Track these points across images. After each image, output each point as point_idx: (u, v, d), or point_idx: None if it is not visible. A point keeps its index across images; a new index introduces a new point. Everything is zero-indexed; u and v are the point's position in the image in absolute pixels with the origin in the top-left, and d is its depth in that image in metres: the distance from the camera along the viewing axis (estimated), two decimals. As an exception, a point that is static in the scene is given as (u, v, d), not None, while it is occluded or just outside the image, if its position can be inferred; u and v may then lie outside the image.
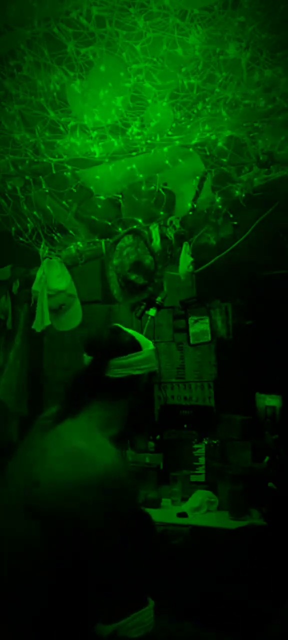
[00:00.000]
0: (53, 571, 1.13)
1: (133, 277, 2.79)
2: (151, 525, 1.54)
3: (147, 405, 1.46)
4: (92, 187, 2.72)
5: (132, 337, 1.44)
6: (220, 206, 2.67)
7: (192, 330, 3.44)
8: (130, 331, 1.46)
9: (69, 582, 1.14)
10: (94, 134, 2.17)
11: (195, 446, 3.12)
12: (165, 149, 2.36)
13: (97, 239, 2.97)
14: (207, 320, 3.38)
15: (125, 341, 1.41)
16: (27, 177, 2.53)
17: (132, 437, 1.53)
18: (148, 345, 1.46)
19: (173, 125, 2.18)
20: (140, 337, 1.46)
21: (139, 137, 2.21)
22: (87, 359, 1.43)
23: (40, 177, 2.50)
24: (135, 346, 1.41)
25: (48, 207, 2.67)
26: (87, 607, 1.15)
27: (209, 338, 3.38)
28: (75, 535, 1.12)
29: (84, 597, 1.14)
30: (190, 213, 2.78)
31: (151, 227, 2.83)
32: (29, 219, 2.73)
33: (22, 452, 1.38)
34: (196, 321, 3.42)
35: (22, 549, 1.16)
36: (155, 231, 2.81)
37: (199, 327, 3.42)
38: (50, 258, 2.95)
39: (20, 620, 1.14)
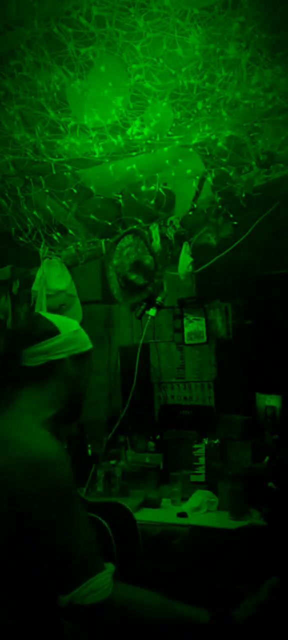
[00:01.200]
0: (9, 550, 1.17)
1: (133, 277, 2.79)
2: (126, 515, 1.54)
3: (80, 388, 1.43)
4: (92, 187, 2.72)
5: (49, 323, 1.38)
6: (220, 206, 2.68)
7: (187, 329, 3.44)
8: (51, 316, 1.42)
9: (25, 561, 1.18)
10: (94, 134, 2.17)
11: (195, 446, 3.12)
12: (165, 149, 2.36)
13: (97, 239, 2.97)
14: (203, 321, 3.38)
15: (39, 328, 1.37)
16: (27, 177, 2.53)
17: (71, 421, 1.51)
18: (69, 327, 1.40)
19: (173, 125, 2.18)
20: (61, 320, 1.42)
21: (139, 137, 2.21)
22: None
23: (40, 177, 2.50)
24: (52, 332, 1.36)
25: (48, 207, 2.68)
26: (44, 581, 1.18)
27: (205, 339, 3.38)
28: (14, 517, 1.16)
29: (39, 572, 1.18)
30: (190, 213, 2.78)
31: (151, 227, 2.83)
32: (29, 219, 2.74)
33: None
34: (192, 321, 3.42)
35: None
36: (155, 231, 2.82)
37: (195, 327, 3.42)
38: (50, 258, 2.95)
39: None
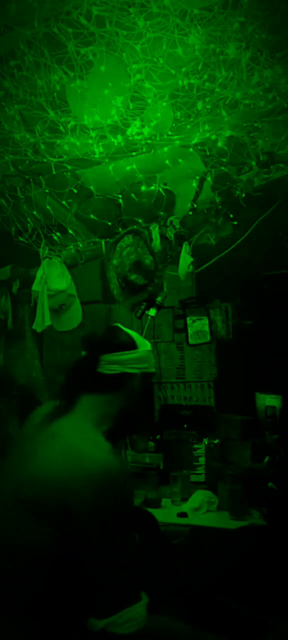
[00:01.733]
0: (47, 565, 1.14)
1: (133, 277, 2.79)
2: (154, 525, 1.54)
3: (142, 406, 1.45)
4: (92, 187, 2.72)
5: (128, 336, 1.44)
6: (220, 206, 2.68)
7: (190, 330, 3.45)
8: (129, 331, 1.46)
9: (63, 577, 1.15)
10: (94, 134, 2.17)
11: (195, 446, 3.12)
12: (165, 149, 2.36)
13: (97, 239, 2.97)
14: (206, 321, 3.39)
15: (119, 338, 1.42)
16: (27, 177, 2.53)
17: (125, 436, 1.54)
18: (145, 346, 1.45)
19: (173, 125, 2.18)
20: (138, 337, 1.46)
21: (139, 137, 2.21)
22: (82, 354, 1.44)
23: (40, 177, 2.50)
24: (130, 344, 1.41)
25: (48, 207, 2.67)
26: (80, 601, 1.15)
27: (208, 338, 3.39)
28: (68, 529, 1.12)
29: (77, 591, 1.15)
30: (190, 213, 2.78)
31: (151, 227, 2.83)
32: (29, 219, 2.73)
33: (17, 449, 1.38)
34: (195, 321, 3.42)
35: (17, 543, 1.17)
36: (155, 231, 2.81)
37: (198, 327, 3.43)
38: (50, 258, 2.95)
39: (16, 613, 1.15)
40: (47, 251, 2.93)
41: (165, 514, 2.75)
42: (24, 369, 3.29)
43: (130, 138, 2.21)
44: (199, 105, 2.03)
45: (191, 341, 3.44)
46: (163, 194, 2.73)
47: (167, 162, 2.50)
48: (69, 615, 1.17)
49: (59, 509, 1.13)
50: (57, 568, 1.14)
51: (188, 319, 3.44)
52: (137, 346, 1.42)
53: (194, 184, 2.71)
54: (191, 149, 2.43)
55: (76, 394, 1.35)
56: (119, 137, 2.19)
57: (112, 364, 1.37)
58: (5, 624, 1.14)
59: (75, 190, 2.62)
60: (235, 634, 1.27)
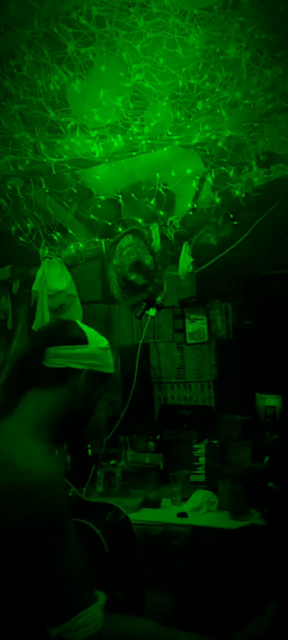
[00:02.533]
0: None
1: (133, 277, 2.79)
2: (129, 532, 1.48)
3: (87, 407, 1.40)
4: (92, 187, 2.72)
5: (79, 331, 1.37)
6: (220, 206, 2.68)
7: (189, 329, 3.45)
8: (84, 327, 1.40)
9: (10, 592, 1.12)
10: (94, 134, 2.17)
11: (195, 446, 3.11)
12: (165, 149, 2.36)
13: (97, 239, 2.97)
14: (205, 320, 3.39)
15: (69, 332, 1.35)
16: (27, 177, 2.53)
17: (69, 437, 1.48)
18: (98, 343, 1.38)
19: (173, 125, 2.18)
20: (92, 334, 1.39)
21: (139, 137, 2.21)
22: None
23: (40, 177, 2.50)
24: (80, 339, 1.34)
25: (48, 207, 2.67)
26: (34, 611, 1.12)
27: (206, 338, 3.39)
28: (7, 544, 1.10)
29: (28, 602, 1.12)
30: (190, 213, 2.78)
31: (151, 227, 2.83)
32: (29, 219, 2.73)
33: None
34: (193, 320, 3.43)
35: None
36: (155, 231, 2.81)
37: (196, 327, 3.43)
38: (50, 258, 2.95)
39: None
40: (47, 251, 2.93)
41: (165, 514, 2.75)
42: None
43: (130, 138, 2.21)
44: (199, 105, 2.03)
45: (189, 340, 3.45)
46: (163, 194, 2.73)
47: (167, 162, 2.50)
48: (27, 626, 1.14)
49: None
50: (3, 587, 1.12)
51: (187, 318, 3.45)
52: (87, 342, 1.35)
53: (194, 184, 2.71)
54: (191, 149, 2.43)
55: (20, 390, 1.30)
56: (119, 137, 2.19)
57: (57, 357, 1.30)
58: None
59: (75, 190, 2.62)
60: (211, 625, 1.25)
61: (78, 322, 1.42)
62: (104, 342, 1.40)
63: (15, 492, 1.09)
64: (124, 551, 1.41)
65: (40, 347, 1.31)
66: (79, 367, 1.32)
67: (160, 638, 1.20)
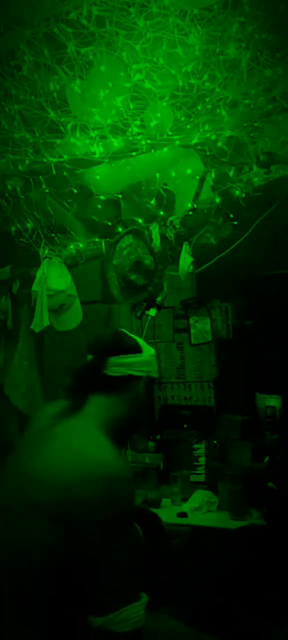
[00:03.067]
0: (50, 565, 1.16)
1: (133, 277, 2.79)
2: (159, 526, 1.55)
3: (144, 409, 1.50)
4: (92, 187, 2.72)
5: (134, 340, 1.49)
6: (220, 206, 2.67)
7: (193, 330, 3.45)
8: (133, 336, 1.51)
9: (65, 576, 1.16)
10: (94, 134, 2.17)
11: (195, 446, 3.12)
12: (165, 149, 2.36)
13: (97, 239, 2.97)
14: (208, 321, 3.40)
15: (126, 342, 1.46)
16: (27, 177, 2.53)
17: (129, 437, 1.57)
18: (149, 350, 1.50)
19: (173, 125, 2.18)
20: (142, 342, 1.51)
21: (139, 137, 2.21)
22: (88, 358, 1.48)
23: (40, 177, 2.50)
24: (136, 348, 1.46)
25: (48, 207, 2.67)
26: (81, 599, 1.16)
27: (210, 338, 3.40)
28: (69, 530, 1.14)
29: (78, 589, 1.16)
30: (190, 213, 2.78)
31: (151, 227, 2.83)
32: (29, 219, 2.73)
33: (22, 450, 1.39)
34: (197, 321, 3.43)
35: (23, 544, 1.18)
36: (155, 231, 2.81)
37: (200, 328, 3.44)
38: (50, 258, 2.95)
39: (19, 612, 1.16)
40: (47, 251, 2.93)
41: (165, 514, 2.75)
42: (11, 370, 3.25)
43: (130, 138, 2.21)
44: (199, 105, 2.03)
45: (194, 341, 3.45)
46: (163, 194, 2.73)
47: (167, 162, 2.50)
48: (71, 612, 1.18)
49: (61, 509, 1.15)
50: (60, 567, 1.16)
51: (191, 319, 3.45)
52: (142, 350, 1.47)
53: (194, 184, 2.71)
54: (191, 149, 2.42)
55: (83, 396, 1.38)
56: (119, 137, 2.19)
57: (119, 366, 1.41)
58: (11, 623, 1.15)
59: (75, 190, 2.62)
60: (234, 637, 1.27)
61: (126, 331, 1.53)
62: (153, 350, 1.54)
63: (91, 477, 1.16)
64: (157, 549, 1.47)
65: (102, 358, 1.41)
66: (138, 374, 1.44)
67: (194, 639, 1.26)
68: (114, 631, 1.12)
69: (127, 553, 1.17)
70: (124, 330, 1.53)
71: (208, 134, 2.24)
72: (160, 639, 1.23)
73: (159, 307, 2.79)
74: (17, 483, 1.26)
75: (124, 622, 1.13)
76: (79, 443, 1.24)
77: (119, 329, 1.55)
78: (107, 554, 1.14)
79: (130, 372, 1.42)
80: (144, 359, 1.46)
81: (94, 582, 1.15)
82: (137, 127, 2.15)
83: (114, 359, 1.41)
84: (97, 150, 2.28)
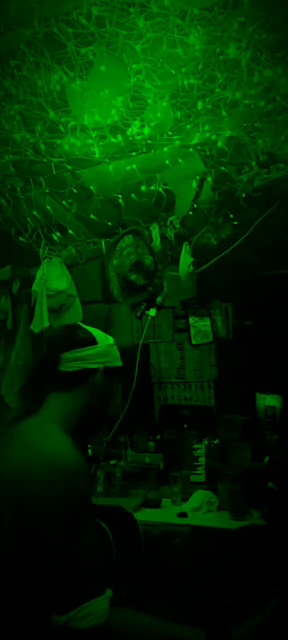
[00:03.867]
0: (8, 563, 1.16)
1: (133, 277, 2.79)
2: (133, 526, 1.53)
3: (107, 401, 1.48)
4: (92, 187, 2.72)
5: (87, 332, 1.44)
6: (220, 206, 2.67)
7: (193, 330, 3.45)
8: (89, 328, 1.46)
9: (24, 574, 1.17)
10: (94, 134, 2.17)
11: (195, 446, 3.12)
12: (165, 149, 2.36)
13: (97, 239, 2.97)
14: (208, 321, 3.40)
15: (78, 335, 1.42)
16: (27, 177, 2.53)
17: (93, 432, 1.56)
18: (106, 340, 1.45)
19: (173, 125, 2.18)
20: (98, 333, 1.46)
21: (139, 137, 2.21)
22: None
23: (40, 177, 2.50)
24: (89, 340, 1.41)
25: (48, 207, 2.67)
26: (43, 597, 1.17)
27: (211, 338, 3.40)
28: (25, 524, 1.15)
29: (39, 588, 1.17)
30: (190, 213, 2.78)
31: (151, 227, 2.83)
32: (29, 219, 2.73)
33: None
34: (197, 321, 3.43)
35: None
36: (155, 231, 2.81)
37: (200, 328, 3.44)
38: (50, 258, 2.95)
39: None
40: (47, 251, 2.93)
41: (165, 514, 2.76)
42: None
43: (130, 138, 2.21)
44: (199, 105, 2.03)
45: (194, 341, 3.45)
46: (163, 194, 2.73)
47: (167, 162, 2.50)
48: (34, 611, 1.18)
49: (16, 503, 1.16)
50: (19, 565, 1.16)
51: (190, 319, 3.45)
52: (96, 341, 1.42)
53: (194, 184, 2.71)
54: (191, 149, 2.42)
55: (41, 394, 1.37)
56: (119, 137, 2.19)
57: (73, 361, 1.37)
58: None
59: (75, 190, 2.62)
60: (208, 622, 1.26)
61: (81, 324, 1.49)
62: (110, 339, 1.48)
63: (45, 473, 1.16)
64: (129, 548, 1.44)
65: (54, 354, 1.39)
66: (94, 366, 1.39)
67: (160, 630, 1.23)
68: (77, 627, 1.12)
69: (87, 548, 1.17)
70: (79, 323, 1.50)
71: (208, 134, 2.24)
72: (130, 634, 1.21)
73: (159, 307, 2.80)
74: None
75: (87, 618, 1.13)
76: (33, 439, 1.25)
77: (75, 323, 1.51)
78: (62, 548, 1.14)
79: (85, 366, 1.38)
80: (99, 349, 1.41)
81: (56, 578, 1.15)
82: (137, 127, 2.15)
83: (66, 354, 1.37)
84: (97, 150, 2.28)
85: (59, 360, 1.37)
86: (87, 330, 1.45)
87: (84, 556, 1.16)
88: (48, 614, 1.15)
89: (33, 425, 1.31)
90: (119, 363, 1.48)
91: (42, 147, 2.23)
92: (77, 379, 1.37)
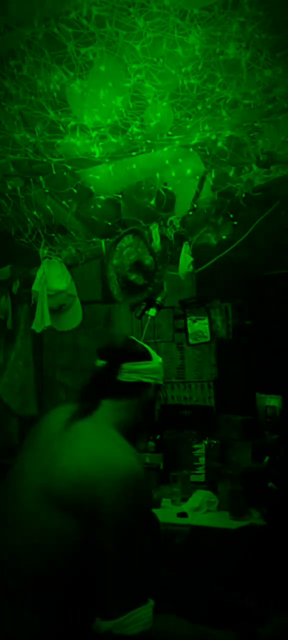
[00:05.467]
0: (69, 560, 1.18)
1: (133, 277, 2.79)
2: (158, 527, 1.57)
3: (152, 415, 1.55)
4: (92, 187, 2.72)
5: (144, 347, 1.56)
6: (220, 206, 2.67)
7: (190, 330, 3.45)
8: (142, 343, 1.58)
9: (80, 575, 1.18)
10: (94, 134, 2.17)
11: (195, 446, 3.12)
12: (165, 149, 2.36)
13: (97, 239, 2.97)
14: (206, 321, 3.39)
15: (137, 349, 1.52)
16: (27, 177, 2.53)
17: (137, 441, 1.60)
18: (158, 358, 1.57)
19: (173, 125, 2.18)
20: (150, 349, 1.57)
21: (139, 137, 2.21)
22: (99, 363, 1.51)
23: (40, 177, 2.50)
24: (146, 355, 1.52)
25: (48, 207, 2.67)
26: (89, 601, 1.18)
27: (208, 338, 3.39)
28: (91, 524, 1.16)
29: (88, 591, 1.18)
30: (190, 213, 2.78)
31: (151, 227, 2.83)
32: (29, 219, 2.73)
33: (37, 449, 1.40)
34: (195, 321, 3.43)
35: (42, 537, 1.20)
36: (155, 231, 2.81)
37: (198, 327, 3.43)
38: (50, 258, 2.95)
39: (33, 606, 1.17)
40: (47, 251, 2.93)
41: (165, 514, 2.75)
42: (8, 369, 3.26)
43: (130, 138, 2.21)
44: (199, 105, 2.03)
45: (191, 341, 3.45)
46: (163, 194, 2.73)
47: (167, 162, 2.50)
48: (79, 614, 1.19)
49: (84, 504, 1.18)
50: (76, 564, 1.18)
51: (188, 319, 3.45)
52: (151, 357, 1.52)
53: (194, 184, 2.70)
54: (191, 149, 2.42)
55: (96, 400, 1.43)
56: (119, 137, 2.19)
57: (131, 372, 1.46)
58: (22, 617, 1.16)
59: (75, 190, 2.62)
60: (235, 625, 1.28)
61: (135, 339, 1.60)
62: (160, 358, 1.58)
63: (114, 477, 1.19)
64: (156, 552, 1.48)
65: (116, 364, 1.46)
66: (149, 381, 1.49)
67: (194, 633, 1.25)
68: (124, 634, 1.12)
69: (142, 554, 1.18)
70: (133, 338, 1.60)
71: (208, 134, 2.24)
72: (169, 639, 1.23)
73: (159, 307, 2.79)
74: (40, 479, 1.27)
75: (133, 625, 1.14)
76: (99, 442, 1.28)
77: (129, 335, 1.61)
78: (125, 553, 1.16)
79: (141, 379, 1.46)
80: (153, 366, 1.51)
81: (107, 582, 1.15)
82: (137, 127, 2.15)
83: (126, 365, 1.45)
84: (97, 150, 2.28)
85: (119, 370, 1.44)
86: (144, 345, 1.55)
87: (138, 562, 1.17)
88: (84, 619, 1.16)
89: (92, 428, 1.35)
90: (162, 382, 1.57)
91: (42, 147, 2.23)
92: (132, 389, 1.45)
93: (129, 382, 1.45)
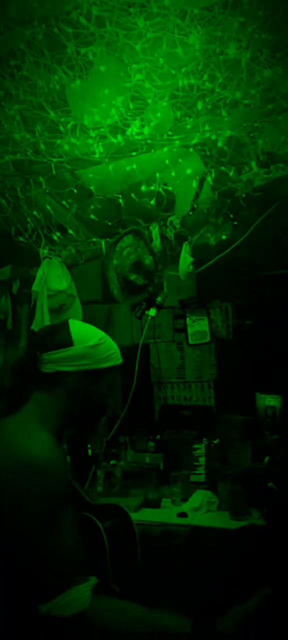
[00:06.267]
0: None
1: (133, 277, 2.79)
2: (130, 523, 1.53)
3: (89, 404, 1.42)
4: (92, 187, 2.72)
5: (66, 333, 1.39)
6: (220, 206, 2.67)
7: (190, 330, 3.45)
8: (76, 326, 1.42)
9: (11, 564, 1.19)
10: (94, 134, 2.17)
11: (195, 446, 3.12)
12: (165, 149, 2.36)
13: (97, 239, 2.97)
14: (206, 321, 3.40)
15: (54, 337, 1.39)
16: (27, 177, 2.53)
17: (82, 434, 1.55)
18: (87, 341, 1.39)
19: (173, 125, 2.18)
20: (81, 332, 1.41)
21: (139, 137, 2.21)
22: (21, 355, 1.47)
23: (40, 177, 2.50)
24: (64, 342, 1.37)
25: (48, 207, 2.67)
26: (27, 587, 1.18)
27: (208, 338, 3.40)
28: (8, 517, 1.18)
29: (26, 577, 1.19)
30: (190, 213, 2.78)
31: (151, 227, 2.83)
32: (29, 219, 2.73)
33: None
34: (195, 321, 3.43)
35: None
36: (155, 231, 2.81)
37: (198, 327, 3.43)
38: (50, 258, 2.95)
39: None
40: (47, 251, 2.93)
41: (165, 514, 2.75)
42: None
43: (130, 138, 2.21)
44: (199, 105, 2.03)
45: (191, 341, 3.45)
46: (163, 194, 2.73)
47: (167, 162, 2.50)
48: (21, 602, 1.20)
49: (3, 499, 1.18)
50: (3, 555, 1.19)
51: (188, 319, 3.45)
52: (72, 343, 1.37)
53: (194, 184, 2.71)
54: (191, 149, 2.43)
55: (24, 393, 1.37)
56: (119, 137, 2.19)
57: (48, 362, 1.36)
58: None
59: (75, 190, 2.62)
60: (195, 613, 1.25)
61: (71, 321, 1.44)
62: (94, 339, 1.40)
63: (14, 467, 1.18)
64: (125, 546, 1.44)
65: (34, 354, 1.38)
66: (67, 369, 1.36)
67: (144, 618, 1.23)
68: (61, 615, 1.13)
69: (64, 538, 1.18)
70: (69, 320, 1.45)
71: (208, 134, 2.24)
72: (114, 621, 1.21)
73: (159, 307, 2.80)
74: None
75: (69, 605, 1.14)
76: (14, 438, 1.26)
77: (61, 322, 1.46)
78: (41, 537, 1.16)
79: (58, 368, 1.35)
80: (75, 352, 1.36)
81: (37, 567, 1.16)
82: (137, 127, 2.15)
83: (45, 355, 1.36)
84: (97, 150, 2.28)
85: (37, 360, 1.36)
86: (67, 331, 1.39)
87: (60, 546, 1.17)
88: (34, 605, 1.16)
89: (14, 423, 1.32)
90: (105, 364, 1.41)
91: (42, 147, 2.23)
92: (51, 380, 1.35)
93: (47, 372, 1.35)
